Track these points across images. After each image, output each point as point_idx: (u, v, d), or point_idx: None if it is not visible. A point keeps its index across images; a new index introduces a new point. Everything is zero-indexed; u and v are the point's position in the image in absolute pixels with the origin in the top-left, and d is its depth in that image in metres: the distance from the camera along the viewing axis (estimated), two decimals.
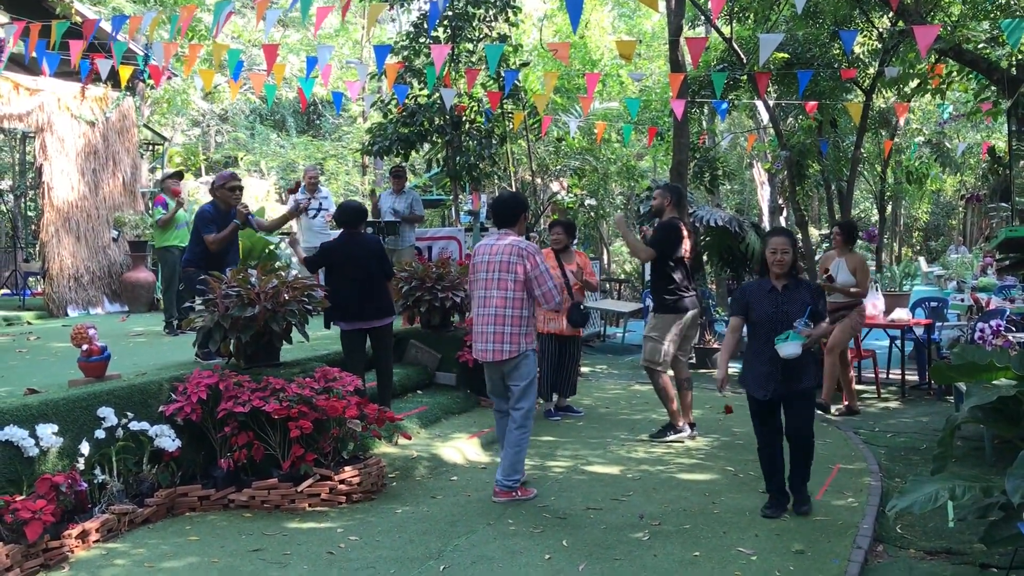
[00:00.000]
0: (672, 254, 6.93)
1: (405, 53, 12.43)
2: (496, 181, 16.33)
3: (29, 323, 10.88)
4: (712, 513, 5.19)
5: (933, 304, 10.82)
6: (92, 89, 11.84)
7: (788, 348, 4.76)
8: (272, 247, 12.34)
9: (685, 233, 7.04)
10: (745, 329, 5.25)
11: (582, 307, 7.69)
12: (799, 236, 17.74)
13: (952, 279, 15.64)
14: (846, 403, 8.32)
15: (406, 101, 11.90)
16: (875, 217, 21.52)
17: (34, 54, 8.39)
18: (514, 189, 16.71)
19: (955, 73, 9.44)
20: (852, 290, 8.01)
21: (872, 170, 17.74)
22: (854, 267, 8.04)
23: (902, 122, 13.11)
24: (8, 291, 14.09)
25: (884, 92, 12.96)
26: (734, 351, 5.30)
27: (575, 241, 8.57)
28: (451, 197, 14.75)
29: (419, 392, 8.16)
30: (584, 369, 10.70)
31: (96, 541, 4.64)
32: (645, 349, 7.11)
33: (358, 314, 6.71)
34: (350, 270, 6.66)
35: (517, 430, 5.48)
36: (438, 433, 7.07)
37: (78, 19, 9.90)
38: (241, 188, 7.20)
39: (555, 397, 8.16)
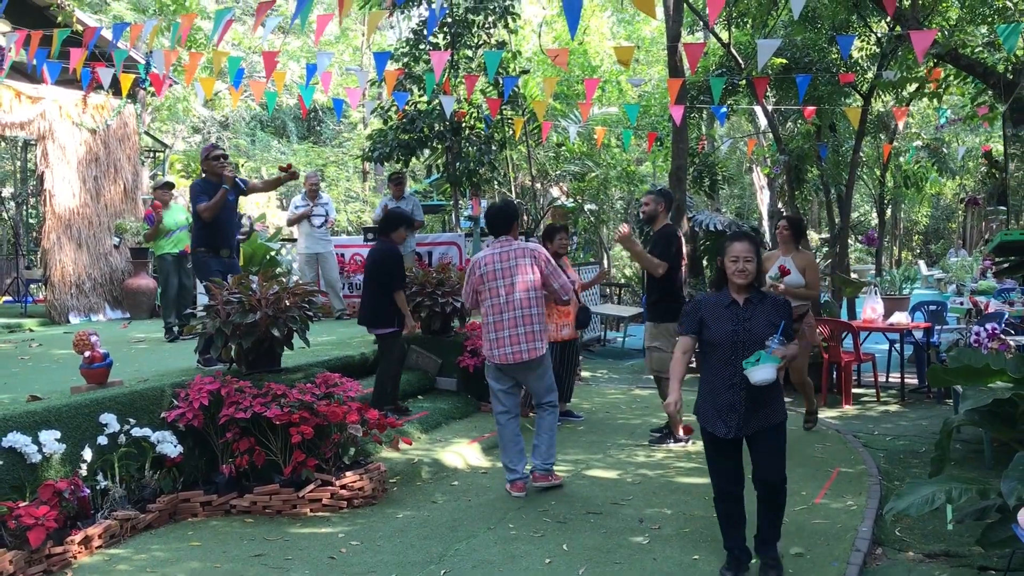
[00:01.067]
0: (674, 262, 6.96)
1: (405, 60, 12.48)
2: (496, 187, 16.36)
3: (31, 330, 10.92)
4: (712, 517, 5.18)
5: (932, 307, 10.84)
6: (93, 97, 11.89)
7: (760, 372, 3.92)
8: (273, 253, 12.39)
9: (680, 240, 7.06)
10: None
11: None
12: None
13: (952, 282, 15.66)
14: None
15: (406, 107, 11.95)
16: (875, 221, 21.56)
17: (35, 62, 8.43)
18: (514, 194, 16.75)
19: (952, 77, 9.48)
20: (801, 291, 7.18)
21: (871, 174, 17.77)
22: (803, 266, 7.27)
23: (901, 126, 13.13)
24: (10, 298, 14.14)
25: (882, 96, 13.00)
26: (684, 375, 4.32)
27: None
28: (451, 203, 14.78)
29: (420, 397, 8.18)
30: (584, 374, 10.72)
31: (99, 547, 4.67)
32: (651, 359, 7.07)
33: (361, 319, 7.17)
34: (364, 277, 7.18)
35: (550, 416, 5.77)
36: (439, 438, 7.09)
37: (79, 27, 9.93)
38: (225, 155, 7.29)
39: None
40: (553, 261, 5.81)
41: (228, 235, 7.14)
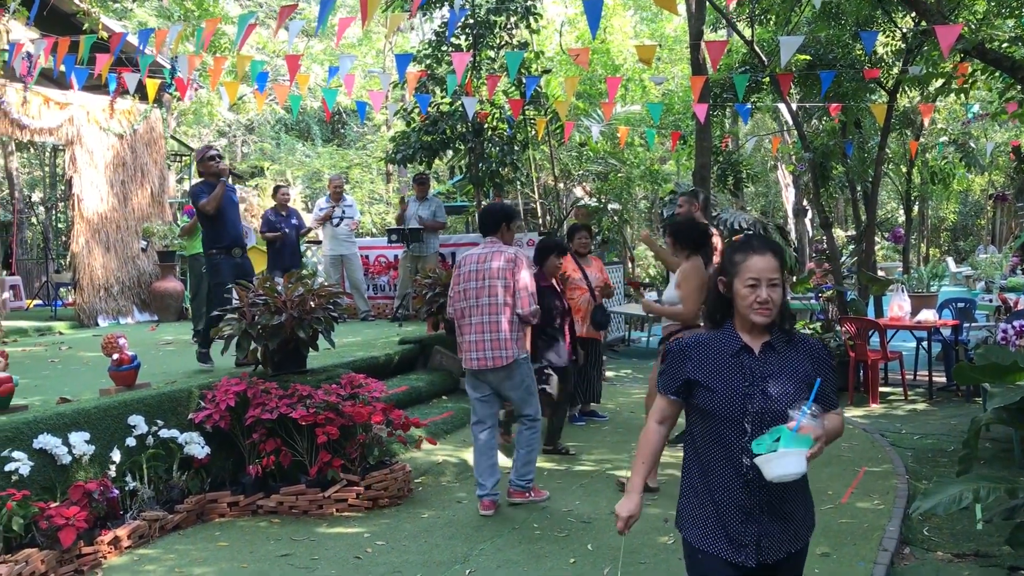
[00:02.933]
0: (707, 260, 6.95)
1: (427, 62, 12.51)
2: (519, 187, 16.37)
3: (61, 333, 11.05)
4: None
5: (961, 305, 10.73)
6: (120, 102, 12.01)
7: (782, 463, 2.38)
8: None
9: (716, 239, 7.06)
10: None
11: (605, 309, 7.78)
12: (820, 239, 17.67)
13: (980, 279, 15.47)
14: None
15: (428, 109, 11.98)
16: (901, 218, 21.35)
17: (62, 68, 8.54)
18: (537, 195, 16.75)
19: (979, 72, 9.34)
20: (666, 309, 5.82)
21: (897, 170, 17.61)
22: (680, 279, 5.72)
23: (927, 122, 12.98)
24: (40, 302, 14.31)
25: (908, 92, 12.87)
26: (657, 456, 2.88)
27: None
28: (474, 204, 14.80)
29: (444, 397, 8.21)
30: (609, 373, 10.70)
31: (128, 547, 4.72)
32: None
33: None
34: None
35: (528, 430, 5.51)
36: (463, 438, 7.10)
37: (104, 34, 10.04)
38: (220, 155, 7.33)
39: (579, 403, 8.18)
40: (525, 272, 5.40)
41: (238, 234, 7.18)
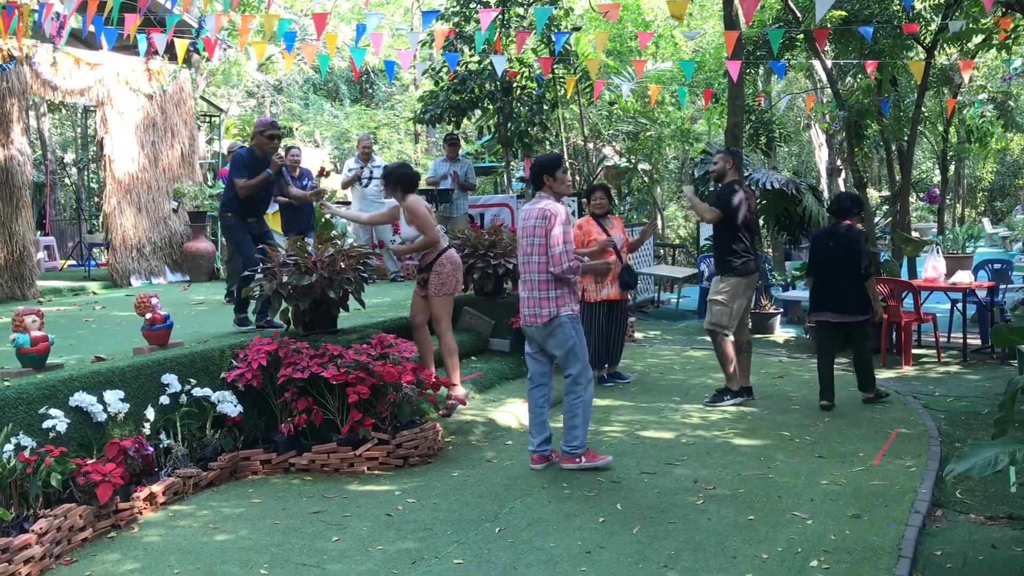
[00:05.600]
0: (736, 217, 6.95)
1: (456, 20, 12.39)
2: (548, 147, 16.26)
3: (94, 293, 11.18)
4: (767, 478, 5.17)
5: (996, 266, 10.56)
6: (150, 62, 12.02)
7: None
8: (327, 217, 12.47)
9: (744, 196, 7.04)
10: None
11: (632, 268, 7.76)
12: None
13: (1017, 240, 15.22)
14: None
15: (457, 68, 11.89)
16: (937, 178, 21.00)
17: (92, 28, 8.54)
18: (566, 155, 16.63)
19: (1022, 27, 9.09)
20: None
21: (934, 129, 17.28)
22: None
23: (966, 79, 12.68)
24: (73, 262, 14.49)
25: (946, 48, 12.57)
26: None
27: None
28: (503, 164, 14.73)
29: (473, 358, 8.23)
30: (638, 335, 10.68)
31: (163, 503, 4.80)
32: (711, 312, 7.07)
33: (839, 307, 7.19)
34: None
35: (568, 396, 5.44)
36: (492, 398, 7.13)
37: None
38: (279, 137, 7.02)
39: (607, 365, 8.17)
40: (560, 228, 5.29)
41: (258, 209, 7.07)
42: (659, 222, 20.33)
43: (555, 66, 12.38)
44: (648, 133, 17.81)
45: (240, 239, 6.89)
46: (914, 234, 13.67)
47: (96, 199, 16.95)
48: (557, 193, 5.51)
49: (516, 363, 8.14)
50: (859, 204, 7.37)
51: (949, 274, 9.30)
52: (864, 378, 7.22)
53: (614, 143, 18.86)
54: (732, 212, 6.97)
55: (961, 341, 9.28)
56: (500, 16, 11.69)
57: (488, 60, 11.38)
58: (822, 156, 22.32)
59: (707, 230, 11.96)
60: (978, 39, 10.88)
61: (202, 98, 15.60)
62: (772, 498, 4.79)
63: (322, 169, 7.06)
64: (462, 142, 14.05)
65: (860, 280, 6.97)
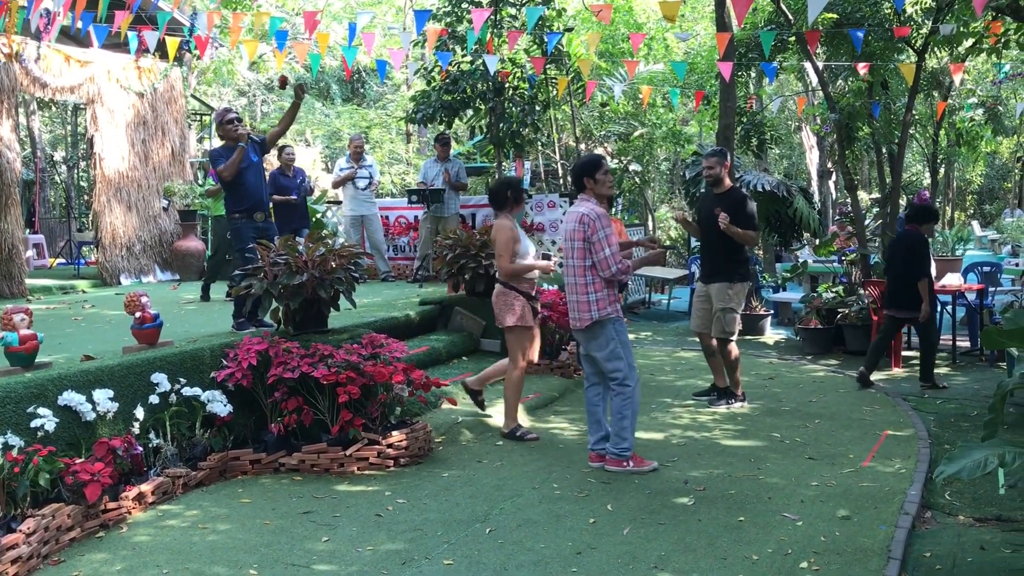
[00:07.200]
0: (752, 224, 7.00)
1: (448, 20, 12.37)
2: (540, 147, 16.26)
3: (84, 291, 11.14)
4: (757, 479, 5.18)
5: (986, 269, 10.61)
6: (141, 60, 11.98)
7: None
8: (319, 215, 12.46)
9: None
10: None
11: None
12: (844, 202, 17.45)
13: (1007, 243, 15.29)
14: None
15: (449, 68, 11.87)
16: (927, 180, 21.08)
17: (80, 24, 8.49)
18: (557, 156, 16.64)
19: (1012, 31, 9.12)
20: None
21: (924, 132, 17.35)
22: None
23: (956, 81, 12.73)
24: (63, 260, 14.44)
25: (937, 52, 12.62)
26: None
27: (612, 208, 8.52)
28: (495, 165, 14.73)
29: (464, 358, 8.22)
30: (629, 336, 10.66)
31: (152, 503, 4.77)
32: (725, 321, 6.91)
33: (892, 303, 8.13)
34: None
35: (617, 396, 5.42)
36: (483, 399, 7.11)
37: None
38: (238, 118, 7.20)
39: None
40: (603, 232, 5.28)
41: (259, 198, 7.09)
42: (650, 223, 20.35)
43: (547, 67, 12.37)
44: (639, 134, 17.83)
45: (245, 245, 6.85)
46: None
47: (86, 197, 16.89)
48: (599, 195, 5.51)
49: None
50: (926, 213, 8.06)
51: (939, 277, 9.33)
52: (921, 368, 8.01)
53: (606, 144, 18.86)
54: (751, 222, 7.00)
55: (951, 343, 9.31)
56: (492, 16, 11.68)
57: (480, 60, 11.37)
58: (813, 158, 22.40)
59: None
60: (968, 43, 10.92)
61: (193, 96, 15.56)
62: (762, 499, 4.80)
63: (283, 79, 7.03)
64: (454, 143, 14.03)
65: (913, 280, 7.74)
